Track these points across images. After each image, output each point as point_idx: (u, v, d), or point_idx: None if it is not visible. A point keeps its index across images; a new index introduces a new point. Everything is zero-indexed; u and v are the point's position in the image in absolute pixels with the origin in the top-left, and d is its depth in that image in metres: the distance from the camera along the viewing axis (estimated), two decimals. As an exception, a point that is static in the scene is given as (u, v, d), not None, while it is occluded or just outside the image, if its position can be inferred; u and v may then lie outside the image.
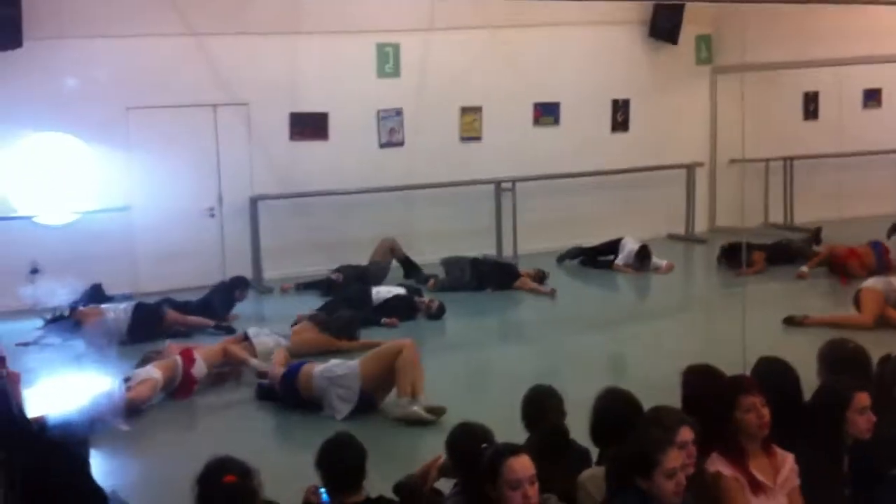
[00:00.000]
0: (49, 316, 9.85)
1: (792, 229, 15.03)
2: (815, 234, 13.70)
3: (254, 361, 8.21)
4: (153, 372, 7.65)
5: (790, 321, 9.48)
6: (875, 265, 11.50)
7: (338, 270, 11.88)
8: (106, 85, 11.63)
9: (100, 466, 5.66)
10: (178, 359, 7.88)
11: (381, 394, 7.31)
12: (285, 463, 6.12)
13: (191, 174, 12.29)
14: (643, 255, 12.75)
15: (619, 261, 12.86)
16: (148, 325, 9.80)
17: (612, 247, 13.12)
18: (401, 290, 10.69)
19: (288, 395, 7.37)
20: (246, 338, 8.83)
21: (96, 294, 11.39)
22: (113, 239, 11.76)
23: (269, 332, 9.03)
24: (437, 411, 6.97)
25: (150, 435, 7.08)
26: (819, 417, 4.51)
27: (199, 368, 7.92)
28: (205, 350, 8.33)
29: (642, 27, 15.01)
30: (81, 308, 10.02)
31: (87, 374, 8.43)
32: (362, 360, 7.38)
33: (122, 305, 10.01)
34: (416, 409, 6.97)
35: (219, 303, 10.65)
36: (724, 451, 4.24)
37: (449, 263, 12.17)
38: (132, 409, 7.14)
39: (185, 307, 10.40)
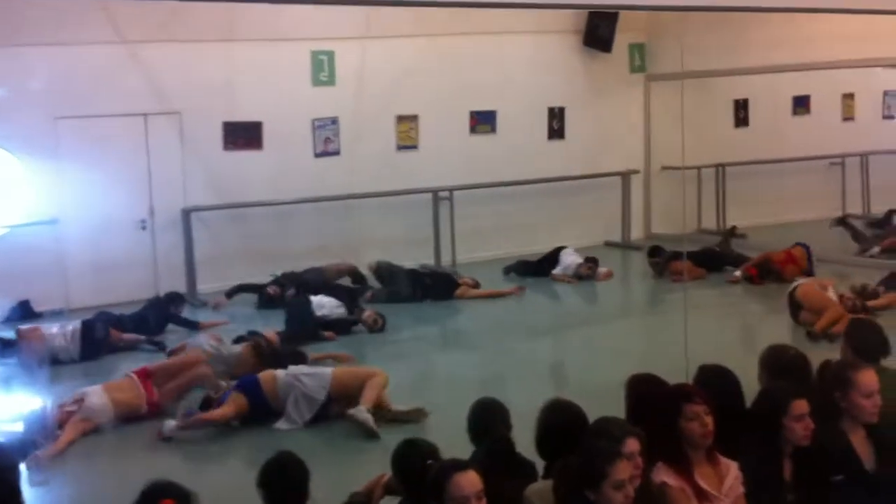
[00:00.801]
0: None
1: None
2: (729, 234, 14.00)
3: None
4: (101, 409, 7.29)
5: (812, 336, 9.13)
6: (807, 266, 11.77)
7: (274, 283, 11.71)
8: (34, 94, 11.31)
9: (31, 492, 5.46)
10: (145, 406, 7.55)
11: (338, 406, 7.23)
12: (227, 484, 6.00)
13: (122, 185, 12.01)
14: (592, 263, 12.74)
15: (559, 271, 12.85)
16: (97, 344, 9.57)
17: (554, 257, 13.12)
18: (340, 307, 10.52)
19: (255, 405, 7.20)
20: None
21: (24, 311, 11.12)
22: (42, 253, 11.42)
23: (206, 340, 8.94)
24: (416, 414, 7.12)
25: (86, 457, 6.87)
26: (758, 425, 4.52)
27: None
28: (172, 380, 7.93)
29: (577, 36, 15.12)
30: (21, 327, 9.61)
31: (19, 396, 8.18)
32: (336, 370, 7.45)
33: (69, 327, 9.55)
34: (369, 418, 6.91)
35: (153, 318, 10.44)
36: (669, 460, 4.22)
37: (383, 271, 12.05)
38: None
39: (118, 322, 10.16)
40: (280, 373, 7.29)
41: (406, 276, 11.94)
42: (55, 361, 9.20)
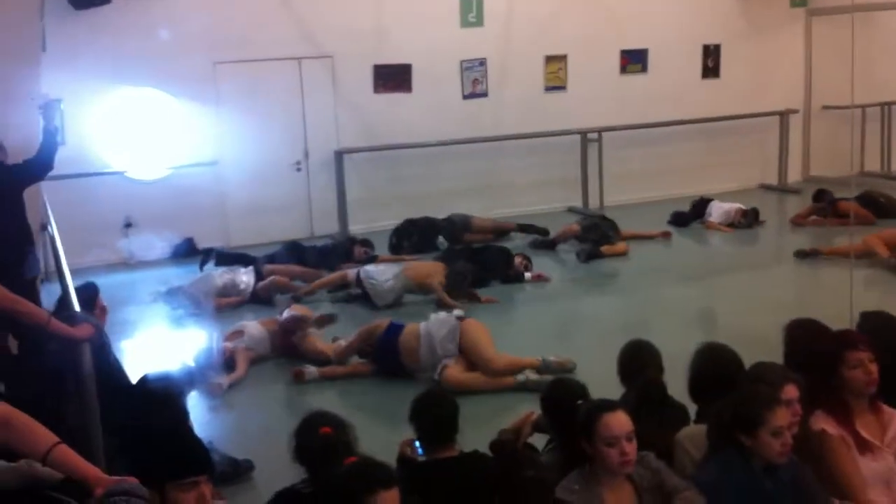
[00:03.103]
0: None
1: (889, 178, 14.51)
2: None
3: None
4: (261, 338, 7.69)
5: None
6: None
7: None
8: (194, 40, 11.71)
9: (196, 418, 5.75)
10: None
11: None
12: (381, 417, 6.16)
13: (277, 128, 12.37)
14: (752, 214, 12.31)
15: (715, 219, 12.42)
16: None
17: (702, 209, 12.72)
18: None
19: (384, 358, 7.18)
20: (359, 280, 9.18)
21: (189, 248, 11.66)
22: (204, 194, 11.94)
23: (380, 267, 9.34)
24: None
25: (247, 388, 7.16)
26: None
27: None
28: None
29: (734, -31, 14.57)
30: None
31: (188, 331, 8.58)
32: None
33: (243, 284, 9.65)
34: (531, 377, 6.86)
35: (336, 253, 10.82)
36: (830, 408, 4.09)
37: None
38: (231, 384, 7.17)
39: (303, 253, 10.64)
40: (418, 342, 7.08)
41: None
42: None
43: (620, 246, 11.02)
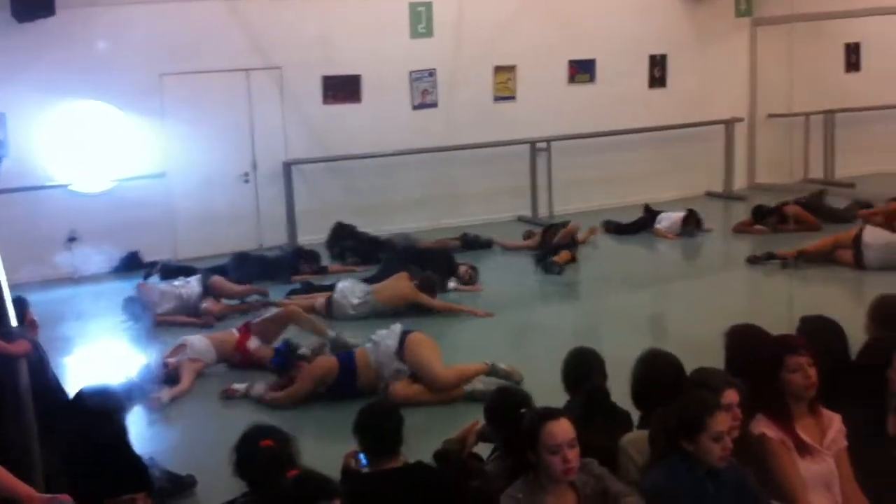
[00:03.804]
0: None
1: (832, 184, 14.77)
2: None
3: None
4: (206, 349, 7.64)
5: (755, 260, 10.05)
6: None
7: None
8: (139, 51, 11.61)
9: (138, 434, 5.66)
10: (234, 347, 7.80)
11: None
12: (324, 430, 6.12)
13: (225, 140, 12.29)
14: (694, 219, 12.44)
15: (663, 227, 12.48)
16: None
17: (649, 220, 12.77)
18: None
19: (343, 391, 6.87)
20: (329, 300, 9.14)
21: (133, 262, 11.50)
22: (150, 206, 11.80)
23: (355, 285, 9.29)
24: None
25: (191, 402, 7.08)
26: (863, 376, 4.39)
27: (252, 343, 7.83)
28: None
29: (680, -20, 14.75)
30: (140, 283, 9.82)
31: (127, 345, 8.47)
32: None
33: (188, 291, 9.57)
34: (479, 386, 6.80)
35: (282, 266, 10.81)
36: (770, 412, 4.14)
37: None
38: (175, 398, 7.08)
39: (247, 263, 10.65)
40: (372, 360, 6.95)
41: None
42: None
43: (564, 254, 11.03)
